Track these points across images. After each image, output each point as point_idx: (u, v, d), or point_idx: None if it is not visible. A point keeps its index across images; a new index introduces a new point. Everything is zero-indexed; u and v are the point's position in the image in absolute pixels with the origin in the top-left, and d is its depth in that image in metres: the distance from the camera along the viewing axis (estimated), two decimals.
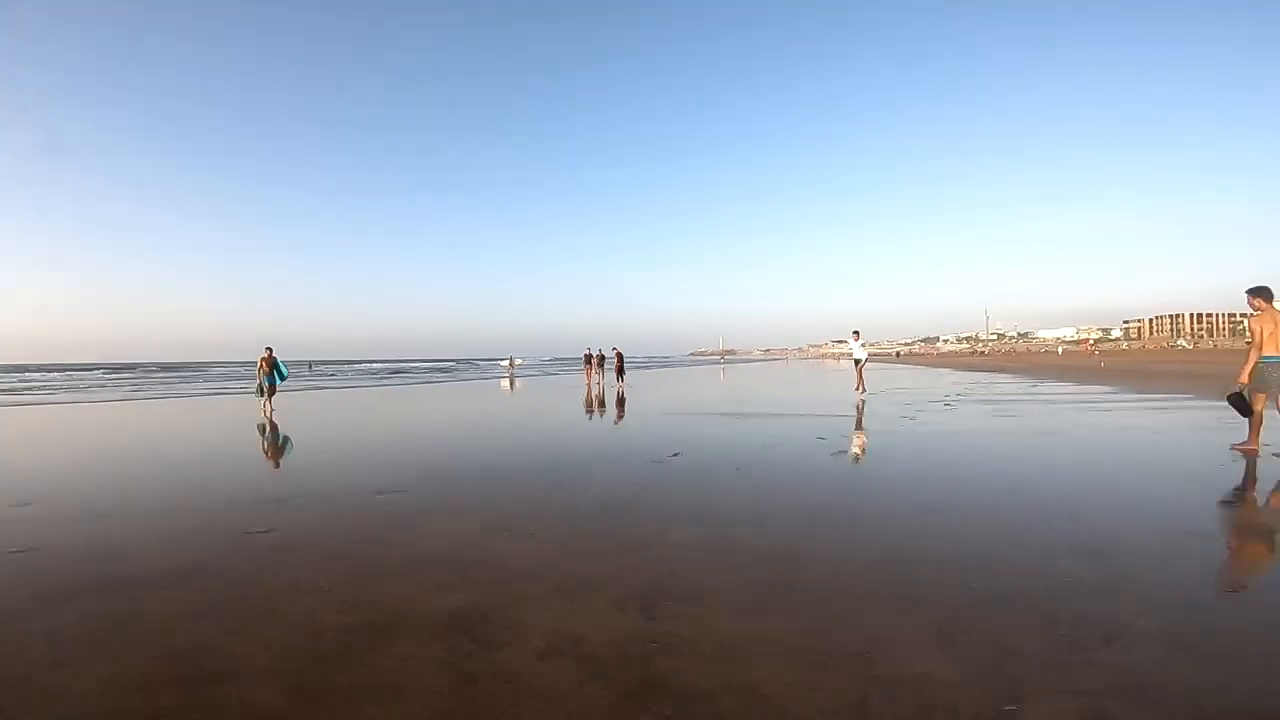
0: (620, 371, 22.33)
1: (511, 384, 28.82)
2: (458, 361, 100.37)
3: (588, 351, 24.83)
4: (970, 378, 25.76)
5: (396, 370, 55.38)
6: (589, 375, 24.53)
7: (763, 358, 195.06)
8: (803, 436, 8.34)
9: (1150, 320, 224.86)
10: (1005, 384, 20.66)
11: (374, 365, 77.44)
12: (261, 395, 15.62)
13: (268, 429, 11.70)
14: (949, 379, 25.15)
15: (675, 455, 7.30)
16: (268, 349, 15.78)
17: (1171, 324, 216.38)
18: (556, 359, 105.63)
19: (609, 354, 23.16)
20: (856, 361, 14.52)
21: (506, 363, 57.93)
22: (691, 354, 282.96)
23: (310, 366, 57.86)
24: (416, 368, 64.02)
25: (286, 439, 9.83)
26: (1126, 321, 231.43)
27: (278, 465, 7.46)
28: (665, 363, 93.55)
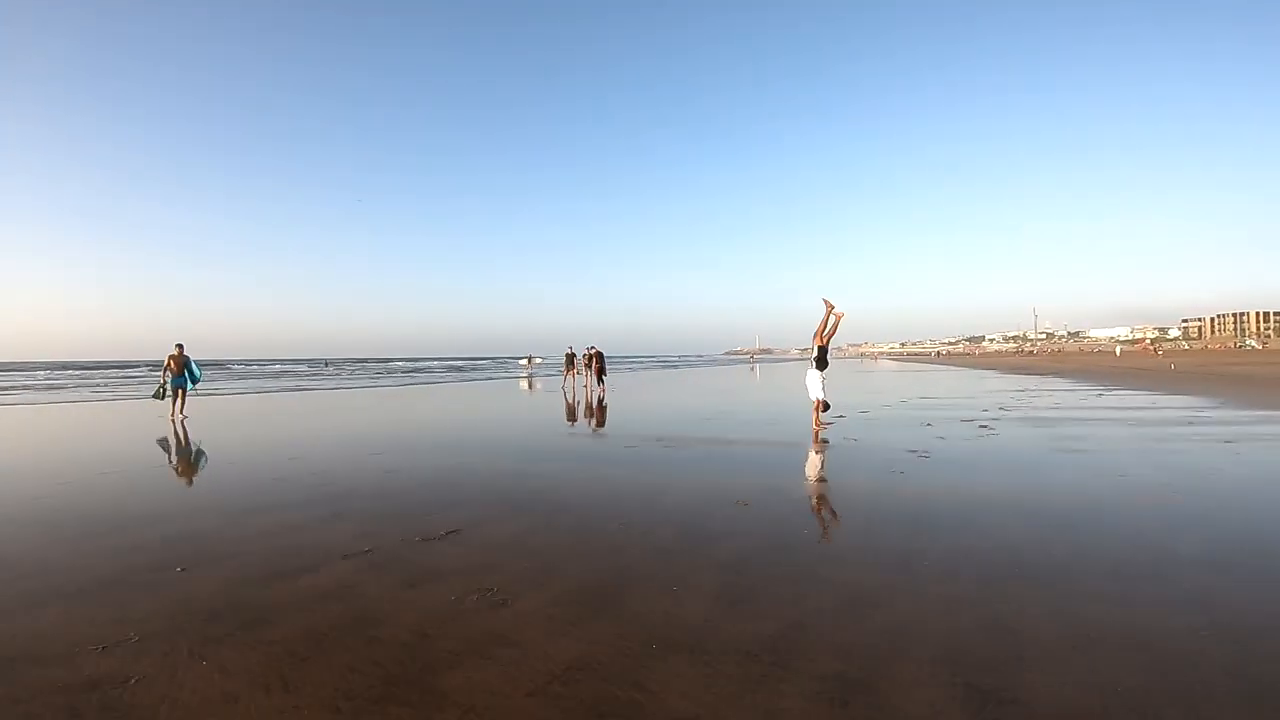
0: (600, 374, 19.15)
1: (530, 384, 26.31)
2: (492, 360, 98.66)
3: (569, 351, 21.72)
4: (1018, 382, 21.58)
5: (412, 369, 53.56)
6: (569, 377, 21.41)
7: (798, 357, 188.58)
8: (720, 500, 4.94)
9: (1212, 319, 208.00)
10: (1062, 391, 16.61)
11: (395, 363, 76.32)
12: (164, 398, 13.19)
13: (172, 440, 9.31)
14: (992, 384, 21.06)
15: (451, 533, 4.09)
16: (177, 346, 13.29)
17: (1236, 323, 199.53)
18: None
19: (604, 352, 20.00)
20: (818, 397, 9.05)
21: (525, 361, 55.59)
22: (726, 353, 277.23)
23: (326, 364, 56.71)
24: (436, 366, 62.29)
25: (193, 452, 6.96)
26: (1185, 320, 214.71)
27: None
28: (693, 362, 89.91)
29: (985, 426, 8.92)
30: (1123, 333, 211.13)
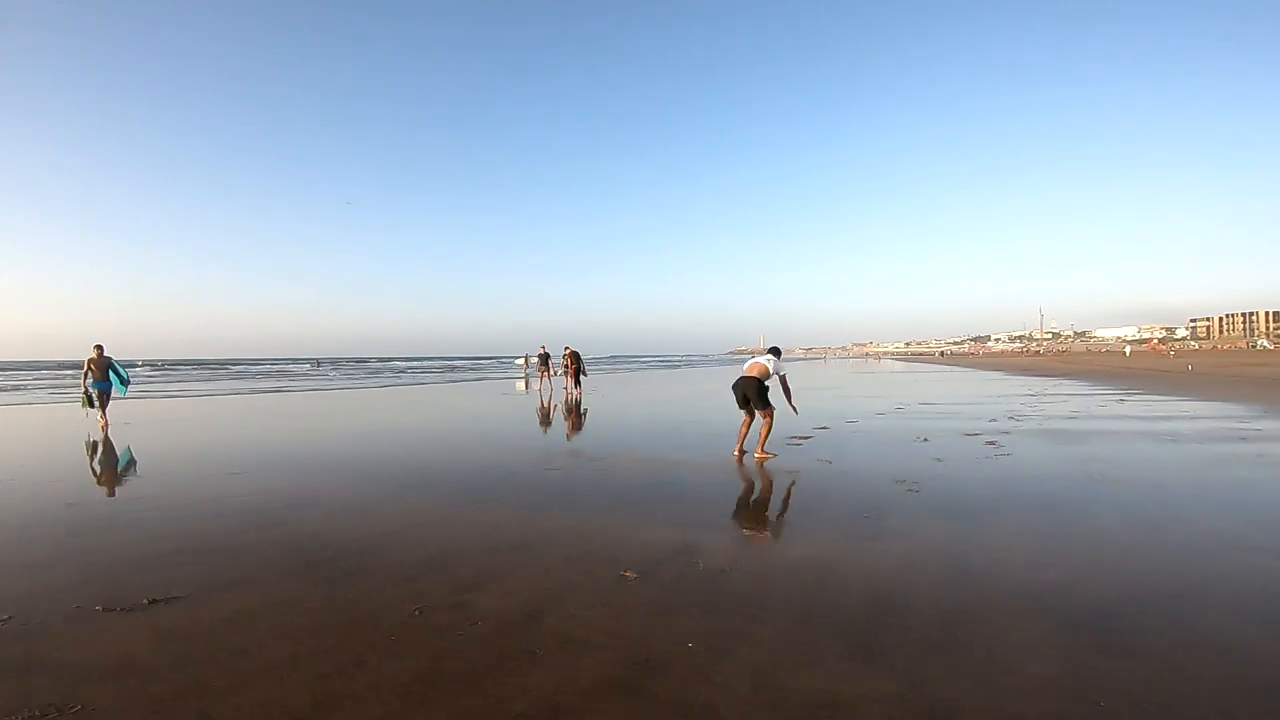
0: (577, 375, 17.62)
1: (526, 384, 24.87)
2: (496, 359, 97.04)
3: (543, 350, 20.19)
4: (1028, 384, 19.82)
5: (406, 369, 52.16)
6: (544, 379, 19.90)
7: (803, 356, 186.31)
8: (604, 565, 3.30)
9: (1220, 319, 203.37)
10: (1077, 395, 14.87)
11: (395, 362, 74.97)
12: (90, 406, 11.78)
13: (99, 446, 8.32)
14: (999, 387, 19.33)
15: (157, 601, 2.56)
16: (96, 347, 11.85)
17: (1245, 322, 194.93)
18: (591, 358, 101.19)
19: (580, 353, 18.45)
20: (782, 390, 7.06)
21: (521, 361, 54.16)
22: (730, 352, 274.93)
23: (317, 364, 55.36)
24: (436, 365, 61.02)
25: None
26: (1194, 320, 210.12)
27: None
28: (695, 361, 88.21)
29: (993, 443, 7.27)
30: (1129, 332, 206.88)
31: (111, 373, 11.92)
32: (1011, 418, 10.01)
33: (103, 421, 11.30)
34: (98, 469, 6.71)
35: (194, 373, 43.88)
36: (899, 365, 51.57)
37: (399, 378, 34.31)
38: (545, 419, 11.53)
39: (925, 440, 7.55)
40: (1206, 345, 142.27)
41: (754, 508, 4.64)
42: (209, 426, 11.34)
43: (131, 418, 12.54)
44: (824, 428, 8.88)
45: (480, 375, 36.85)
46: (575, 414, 12.20)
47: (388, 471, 6.30)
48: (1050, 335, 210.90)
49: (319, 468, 6.52)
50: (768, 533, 3.96)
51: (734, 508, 4.64)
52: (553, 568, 3.37)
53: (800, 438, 7.85)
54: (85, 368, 11.73)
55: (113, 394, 11.90)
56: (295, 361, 76.61)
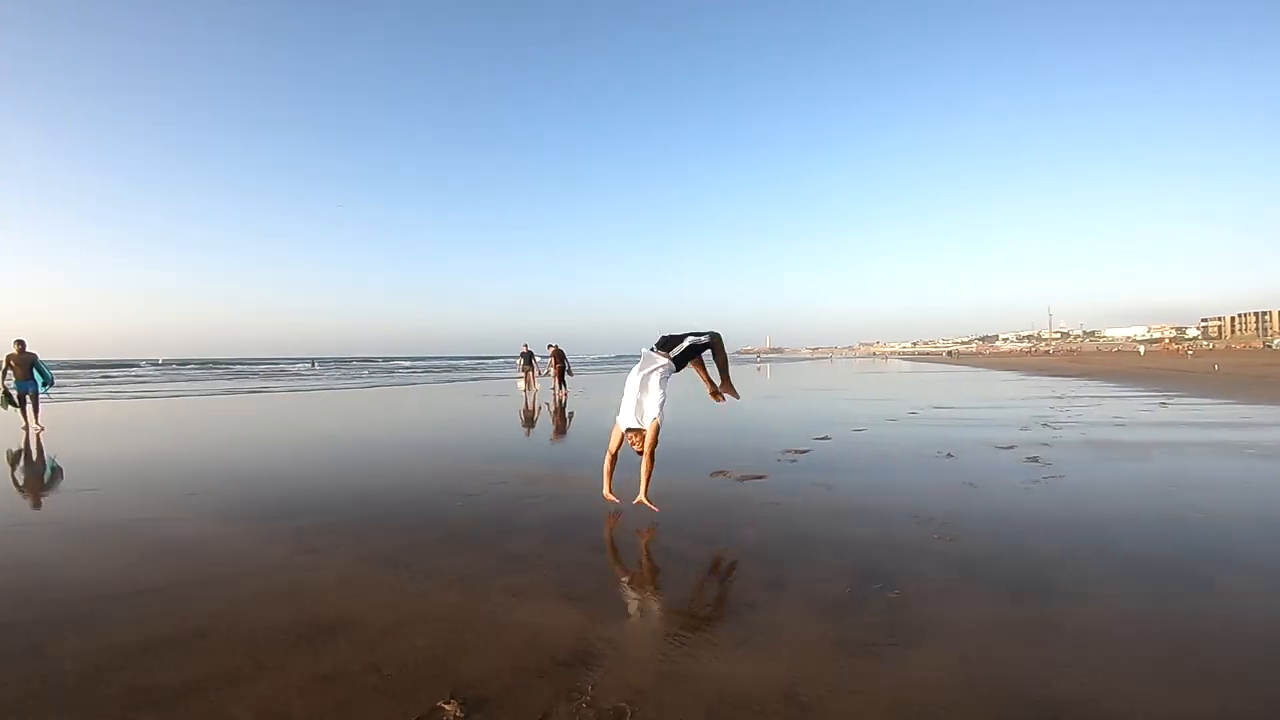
0: (561, 374, 16.22)
1: (526, 384, 23.42)
2: (504, 359, 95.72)
3: (525, 349, 18.83)
4: (1047, 386, 18.15)
5: (406, 368, 50.89)
6: (528, 379, 18.51)
7: (809, 356, 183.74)
8: (409, 695, 2.00)
9: (1232, 318, 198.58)
10: (1110, 398, 13.23)
11: (396, 362, 73.59)
12: (10, 405, 10.52)
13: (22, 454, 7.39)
14: (1018, 389, 17.69)
15: None
16: (18, 343, 10.56)
17: (1258, 321, 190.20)
18: (599, 358, 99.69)
19: (564, 352, 17.03)
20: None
21: (520, 361, 52.82)
22: (736, 352, 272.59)
23: (313, 364, 54.16)
24: (438, 365, 59.76)
25: None
26: (1205, 320, 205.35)
27: None
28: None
29: (1035, 460, 5.72)
30: (1139, 332, 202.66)
31: (35, 371, 10.66)
32: (1045, 425, 8.45)
33: (38, 427, 10.06)
34: None
35: (190, 372, 42.90)
36: (906, 365, 49.72)
37: (390, 377, 33.06)
38: (523, 423, 10.11)
39: (950, 456, 6.02)
40: (1219, 345, 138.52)
41: (711, 572, 3.15)
42: (137, 433, 10.02)
43: (69, 422, 11.27)
44: (825, 438, 7.39)
45: (478, 375, 35.51)
46: (559, 417, 10.82)
47: (264, 493, 4.88)
48: (1059, 335, 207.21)
49: (189, 487, 5.10)
50: (720, 628, 2.47)
51: (682, 571, 3.15)
52: (332, 678, 1.94)
53: (796, 451, 6.36)
54: (5, 365, 10.47)
55: (39, 394, 10.65)
56: (298, 361, 75.59)
